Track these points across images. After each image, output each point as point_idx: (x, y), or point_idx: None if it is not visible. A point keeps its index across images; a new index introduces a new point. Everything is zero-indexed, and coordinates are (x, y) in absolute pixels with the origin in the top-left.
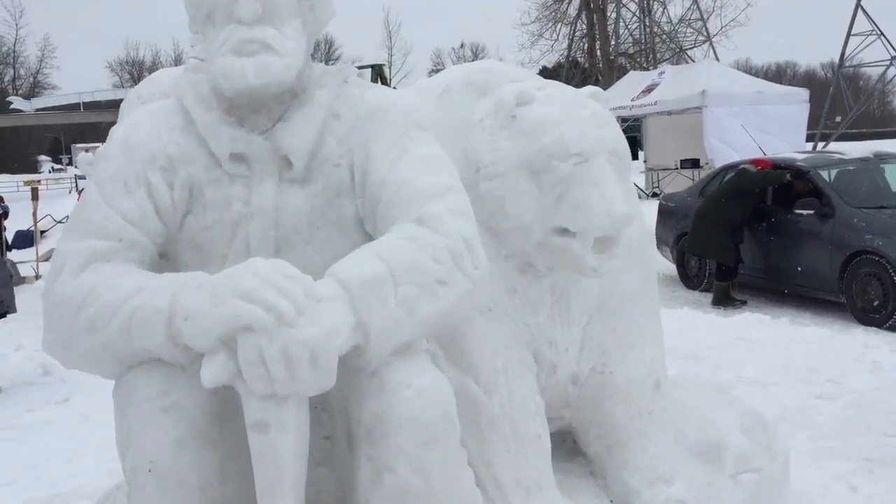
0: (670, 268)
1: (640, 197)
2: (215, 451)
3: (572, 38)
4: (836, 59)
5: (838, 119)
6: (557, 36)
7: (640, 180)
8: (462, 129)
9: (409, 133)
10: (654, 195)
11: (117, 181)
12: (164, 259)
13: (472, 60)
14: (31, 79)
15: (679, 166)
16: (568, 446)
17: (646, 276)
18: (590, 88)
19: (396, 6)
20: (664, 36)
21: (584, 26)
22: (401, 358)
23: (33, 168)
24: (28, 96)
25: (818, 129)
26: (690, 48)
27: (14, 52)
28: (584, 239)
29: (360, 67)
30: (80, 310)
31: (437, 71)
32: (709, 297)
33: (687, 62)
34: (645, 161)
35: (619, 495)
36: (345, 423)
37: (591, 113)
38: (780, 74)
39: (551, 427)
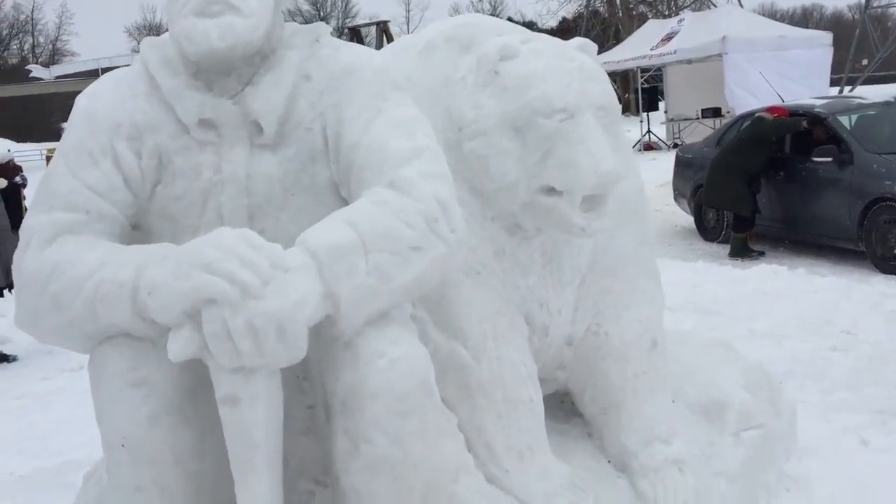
0: (688, 220)
1: (660, 148)
2: (190, 426)
3: None
4: (863, 0)
5: (865, 62)
6: None
7: (661, 131)
8: (444, 87)
9: (382, 93)
10: (676, 146)
11: (82, 152)
12: (137, 230)
13: (491, 14)
14: (51, 46)
15: (700, 116)
16: (566, 408)
17: (642, 233)
18: (578, 40)
19: None
20: None
21: None
22: (375, 327)
23: (56, 136)
24: (47, 64)
25: (844, 73)
26: None
27: (32, 19)
28: (571, 198)
29: (364, 25)
30: (46, 286)
31: None
32: (727, 248)
33: (710, 8)
34: (666, 111)
35: (616, 456)
36: (323, 394)
37: (577, 66)
38: (805, 18)
39: (547, 389)
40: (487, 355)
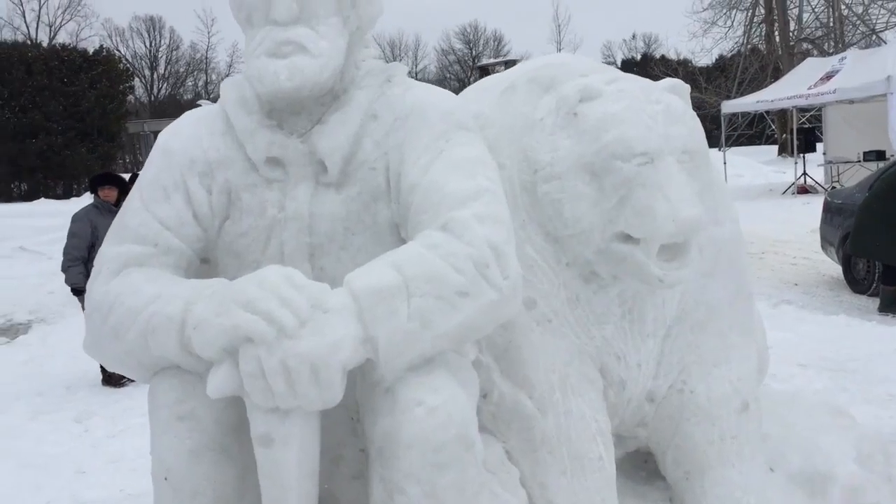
0: (836, 270)
1: (817, 192)
2: (232, 462)
3: (749, 25)
4: None
5: None
6: (732, 23)
7: (819, 174)
8: (522, 128)
9: (447, 134)
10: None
11: (156, 186)
12: (206, 264)
13: (644, 51)
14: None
15: (862, 159)
16: (648, 468)
17: (738, 285)
18: (669, 81)
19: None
20: (854, 18)
21: (762, 11)
22: (418, 373)
23: None
24: (216, 99)
25: None
26: (883, 30)
27: (206, 58)
28: (647, 246)
29: (493, 64)
30: (107, 316)
31: (609, 64)
32: (877, 302)
33: (879, 45)
34: (824, 153)
35: None
36: (365, 439)
37: (662, 108)
38: None
39: (627, 447)
40: (554, 408)
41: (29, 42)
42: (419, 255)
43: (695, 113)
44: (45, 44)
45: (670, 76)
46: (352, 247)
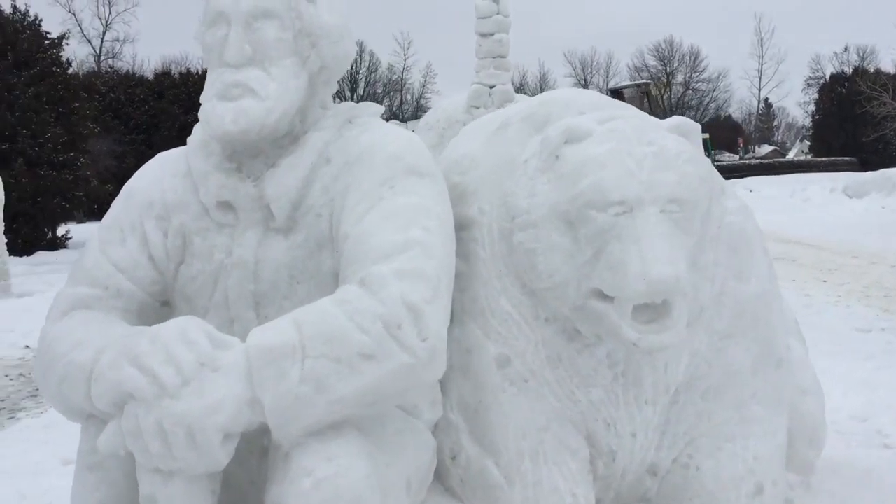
0: None
1: None
2: None
3: None
4: None
5: None
6: None
7: None
8: (506, 171)
9: (391, 181)
10: None
11: (114, 228)
12: (167, 307)
13: (857, 64)
14: (415, 103)
15: None
16: None
17: (765, 349)
18: (675, 119)
19: (770, 12)
20: None
21: None
22: (319, 439)
23: None
24: (406, 120)
25: None
26: None
27: (402, 79)
28: (620, 306)
29: (626, 87)
30: (40, 360)
31: (814, 78)
32: None
33: None
34: None
35: None
36: None
37: (653, 151)
38: None
39: None
40: (522, 478)
41: None
42: (323, 313)
43: (701, 157)
44: None
45: (878, 92)
46: (296, 296)
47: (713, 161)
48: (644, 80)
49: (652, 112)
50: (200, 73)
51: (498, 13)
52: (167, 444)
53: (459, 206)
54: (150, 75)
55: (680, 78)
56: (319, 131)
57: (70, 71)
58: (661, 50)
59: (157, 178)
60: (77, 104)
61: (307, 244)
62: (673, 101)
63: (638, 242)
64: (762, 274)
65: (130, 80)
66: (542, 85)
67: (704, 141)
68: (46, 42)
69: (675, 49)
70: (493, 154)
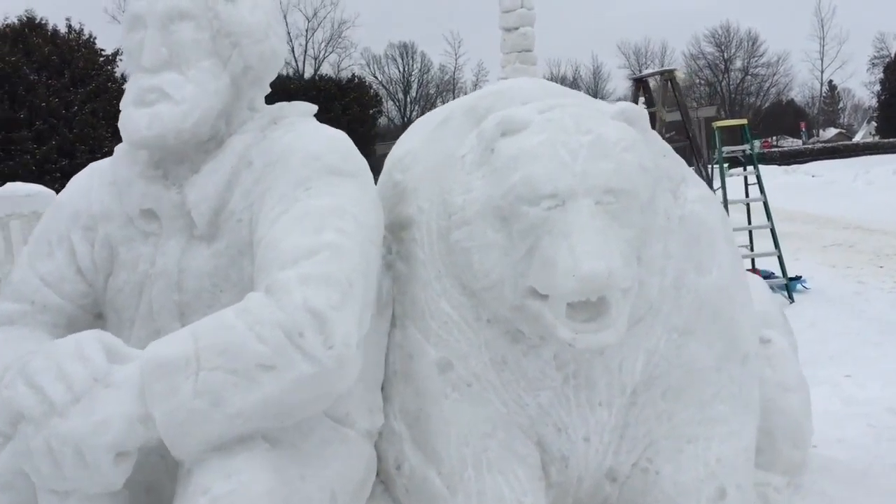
0: None
1: None
2: None
3: None
4: None
5: None
6: None
7: None
8: (444, 167)
9: (307, 182)
10: None
11: (42, 241)
12: (101, 319)
13: None
14: None
15: None
16: None
17: (729, 344)
18: (619, 105)
19: None
20: None
21: None
22: (221, 454)
23: None
24: None
25: None
26: None
27: (454, 79)
28: (554, 303)
29: (650, 75)
30: None
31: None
32: None
33: None
34: None
35: None
36: None
37: (589, 140)
38: None
39: None
40: (465, 487)
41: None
42: (221, 323)
43: (646, 145)
44: (309, 75)
45: None
46: (219, 304)
47: (752, 148)
48: (668, 67)
49: (676, 100)
50: None
51: (522, 7)
52: (56, 465)
53: (400, 204)
54: None
55: (738, 63)
56: (242, 134)
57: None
58: (717, 36)
59: (86, 189)
60: None
61: (229, 251)
62: (732, 87)
63: (568, 237)
64: (724, 265)
65: None
66: (596, 78)
67: (742, 127)
68: (101, 59)
69: (731, 34)
70: (433, 150)
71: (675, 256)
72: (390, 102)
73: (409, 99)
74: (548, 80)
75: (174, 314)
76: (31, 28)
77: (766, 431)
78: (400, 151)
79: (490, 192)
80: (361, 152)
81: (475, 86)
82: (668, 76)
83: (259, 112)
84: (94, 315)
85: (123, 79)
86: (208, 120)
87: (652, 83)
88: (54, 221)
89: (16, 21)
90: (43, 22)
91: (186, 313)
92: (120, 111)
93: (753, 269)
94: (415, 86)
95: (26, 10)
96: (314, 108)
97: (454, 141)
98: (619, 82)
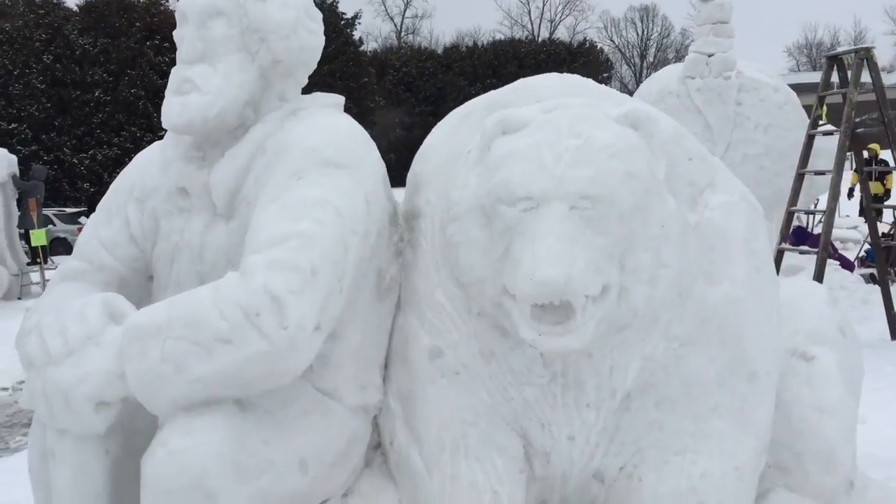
0: None
1: None
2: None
3: None
4: None
5: None
6: None
7: None
8: (454, 162)
9: (300, 172)
10: None
11: (104, 209)
12: (152, 281)
13: None
14: None
15: None
16: None
17: (735, 360)
18: (626, 108)
19: None
20: None
21: None
22: (188, 413)
23: None
24: None
25: None
26: None
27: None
28: (519, 304)
29: (844, 53)
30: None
31: None
32: None
33: None
34: None
35: None
36: None
37: (576, 145)
38: None
39: None
40: (440, 470)
41: (528, 38)
42: (195, 297)
43: (645, 150)
44: (544, 39)
45: None
46: None
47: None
48: (864, 45)
49: (873, 81)
50: (485, 45)
51: None
52: (49, 407)
53: (414, 195)
54: (441, 50)
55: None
56: (264, 124)
57: (362, 48)
58: None
59: (144, 164)
60: (366, 79)
61: (241, 231)
62: None
63: (533, 241)
64: (737, 277)
65: (422, 55)
66: (857, 44)
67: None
68: (342, 22)
69: None
70: (449, 144)
71: (671, 266)
72: (625, 67)
73: (644, 64)
74: (800, 46)
75: (196, 282)
76: None
77: (795, 453)
78: (425, 143)
79: (478, 190)
80: None
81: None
82: (864, 54)
83: (289, 102)
84: (147, 277)
85: (360, 41)
86: (234, 109)
87: (846, 61)
88: (115, 193)
89: None
90: None
91: (206, 282)
92: (354, 73)
93: None
94: (652, 50)
95: None
96: (341, 99)
97: (469, 136)
98: (885, 50)
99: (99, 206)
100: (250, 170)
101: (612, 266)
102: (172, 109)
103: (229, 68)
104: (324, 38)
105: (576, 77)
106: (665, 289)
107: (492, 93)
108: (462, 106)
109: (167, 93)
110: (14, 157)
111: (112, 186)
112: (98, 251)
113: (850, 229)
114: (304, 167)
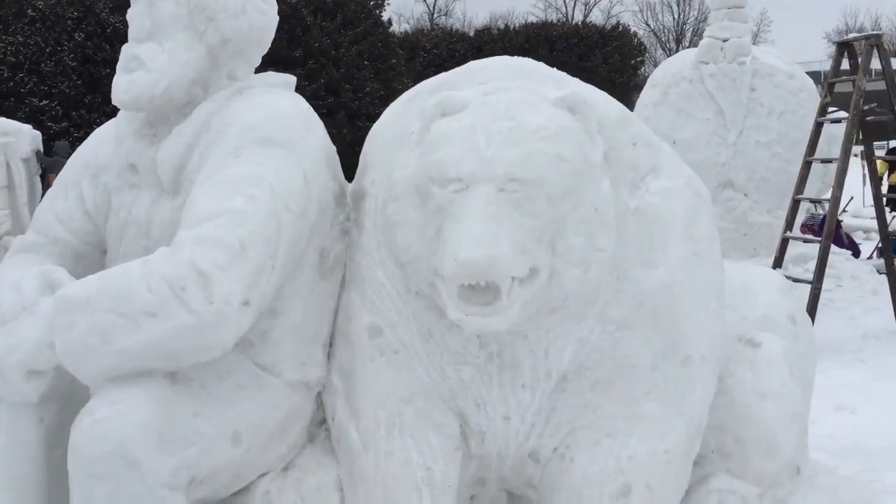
0: None
1: None
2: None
3: None
4: None
5: None
6: None
7: None
8: (398, 143)
9: (238, 150)
10: None
11: (60, 184)
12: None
13: None
14: None
15: None
16: None
17: (670, 344)
18: (564, 92)
19: None
20: None
21: None
22: (116, 384)
23: None
24: None
25: None
26: None
27: None
28: (447, 284)
29: (854, 39)
30: None
31: None
32: None
33: None
34: None
35: None
36: None
37: (509, 127)
38: None
39: None
40: (375, 446)
41: (560, 21)
42: (125, 271)
43: (578, 133)
44: (577, 22)
45: None
46: None
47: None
48: (874, 32)
49: (883, 68)
50: (517, 28)
51: None
52: None
53: (361, 175)
54: (472, 32)
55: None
56: (210, 101)
57: (391, 29)
58: None
59: (99, 140)
60: (394, 61)
61: (184, 207)
62: None
63: (460, 222)
64: (673, 263)
65: (452, 37)
66: None
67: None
68: (371, 3)
69: None
70: (395, 125)
71: (605, 249)
72: (660, 51)
73: (680, 48)
74: (841, 32)
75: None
76: None
77: (736, 437)
78: (375, 124)
79: (415, 171)
80: (622, 103)
81: (755, 36)
82: (873, 41)
83: (238, 81)
84: (102, 252)
85: (389, 23)
86: (181, 87)
87: (855, 47)
88: (71, 168)
89: None
90: None
91: None
92: (383, 54)
93: None
94: (688, 35)
95: None
96: (292, 79)
97: (414, 118)
98: None
99: (56, 180)
100: (195, 147)
101: (541, 248)
102: (120, 86)
103: (176, 46)
104: (276, 17)
105: (524, 60)
106: (598, 272)
107: (441, 75)
108: (412, 88)
109: (117, 69)
110: (38, 134)
111: (69, 160)
112: (53, 225)
113: (874, 219)
114: (242, 145)
